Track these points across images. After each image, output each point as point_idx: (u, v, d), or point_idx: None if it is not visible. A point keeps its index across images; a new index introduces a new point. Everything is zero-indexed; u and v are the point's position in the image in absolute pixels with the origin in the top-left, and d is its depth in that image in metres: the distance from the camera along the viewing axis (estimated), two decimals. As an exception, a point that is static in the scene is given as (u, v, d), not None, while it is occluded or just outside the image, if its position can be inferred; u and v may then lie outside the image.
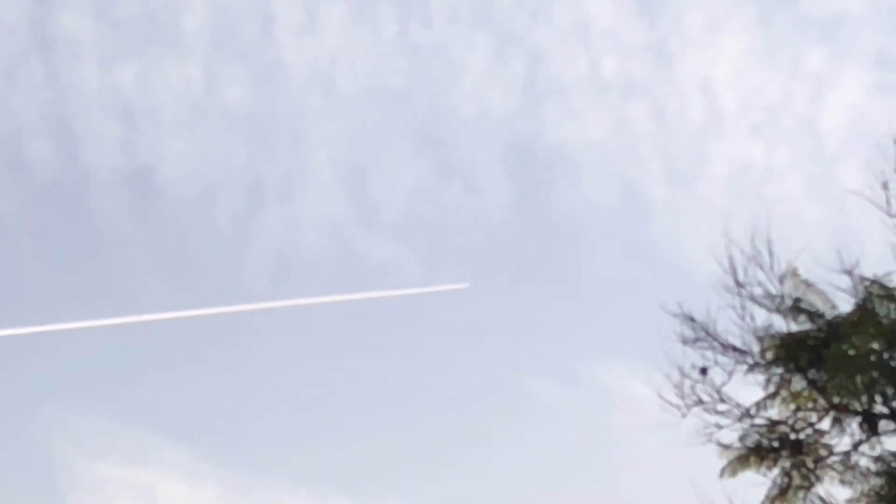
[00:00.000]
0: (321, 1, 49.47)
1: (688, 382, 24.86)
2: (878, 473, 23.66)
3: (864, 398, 23.98)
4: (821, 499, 24.15)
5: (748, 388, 24.86)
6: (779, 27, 49.59)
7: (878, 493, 23.51)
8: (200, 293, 47.16)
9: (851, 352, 23.78)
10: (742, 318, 24.89)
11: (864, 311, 24.06)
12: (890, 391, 23.77)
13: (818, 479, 24.31)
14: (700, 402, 24.82)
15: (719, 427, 24.80)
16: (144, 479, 45.90)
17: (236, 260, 49.02)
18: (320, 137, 50.67)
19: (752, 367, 24.73)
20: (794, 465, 24.42)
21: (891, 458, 23.69)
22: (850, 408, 24.13)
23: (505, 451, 45.70)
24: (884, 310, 23.97)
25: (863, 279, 24.28)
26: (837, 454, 24.34)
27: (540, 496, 43.34)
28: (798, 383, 24.49)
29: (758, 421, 24.73)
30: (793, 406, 24.60)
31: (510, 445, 45.77)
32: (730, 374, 24.86)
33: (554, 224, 50.06)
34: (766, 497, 24.47)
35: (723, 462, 24.72)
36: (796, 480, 24.39)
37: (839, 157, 47.50)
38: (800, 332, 24.57)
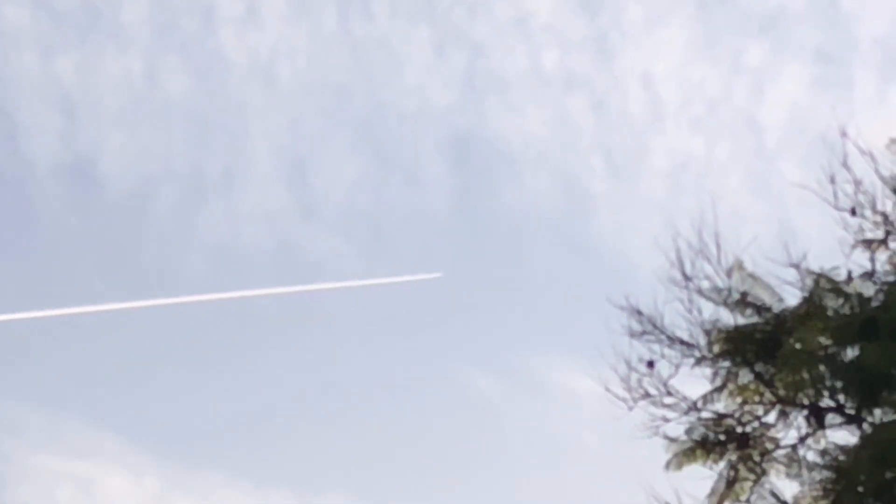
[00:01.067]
0: (262, -7, 49.23)
1: (635, 376, 24.82)
2: (824, 467, 23.66)
3: (811, 392, 24.03)
4: (771, 492, 24.17)
5: (695, 382, 24.87)
6: (718, 22, 49.80)
7: (824, 487, 23.52)
8: (140, 285, 46.79)
9: (798, 346, 23.82)
10: (689, 311, 24.88)
11: (811, 304, 24.09)
12: (836, 385, 23.81)
13: (764, 472, 24.31)
14: (647, 395, 24.76)
15: (666, 420, 24.75)
16: (84, 470, 45.54)
17: (177, 252, 48.69)
18: (261, 130, 50.43)
19: (700, 361, 24.69)
20: (740, 459, 24.40)
21: (837, 452, 23.68)
22: (797, 401, 24.17)
23: (447, 444, 45.68)
24: (831, 304, 24.03)
25: (810, 272, 24.32)
26: (784, 447, 24.36)
27: (480, 489, 43.35)
28: (745, 377, 24.48)
29: (704, 414, 24.70)
30: (739, 399, 24.58)
31: (452, 439, 45.72)
32: (677, 367, 24.82)
33: (495, 217, 50.05)
34: (713, 490, 24.44)
35: (668, 455, 24.69)
36: (743, 474, 24.37)
37: (779, 152, 47.74)
38: (747, 326, 24.55)
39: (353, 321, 46.22)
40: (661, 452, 24.74)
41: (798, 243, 24.58)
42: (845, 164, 24.60)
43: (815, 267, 24.42)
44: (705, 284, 24.81)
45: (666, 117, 50.63)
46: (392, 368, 47.13)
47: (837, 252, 24.52)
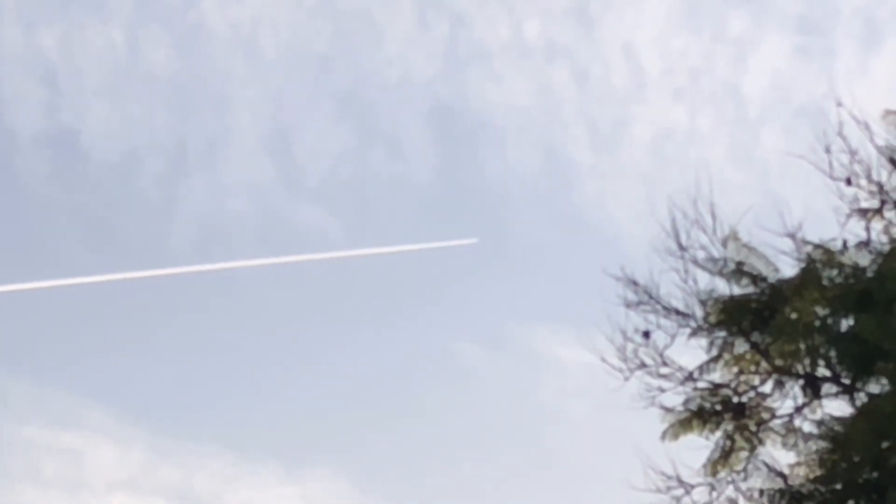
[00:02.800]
0: (245, -37, 49.04)
1: (630, 346, 24.78)
2: (819, 437, 23.69)
3: (807, 362, 24.03)
4: (764, 462, 24.20)
5: (691, 352, 24.83)
6: (700, -10, 49.81)
7: (820, 457, 23.56)
8: (125, 257, 46.67)
9: (794, 316, 23.82)
10: (684, 281, 24.82)
11: (807, 274, 24.08)
12: (832, 355, 23.84)
13: (761, 442, 24.30)
14: (643, 365, 24.71)
15: (662, 391, 24.71)
16: (72, 442, 45.47)
17: (161, 224, 48.58)
18: (244, 101, 50.30)
19: (695, 331, 24.63)
20: (736, 429, 24.38)
21: (832, 422, 23.72)
22: (793, 371, 24.17)
23: (435, 417, 45.74)
24: (826, 274, 24.03)
25: (805, 242, 24.31)
26: (780, 417, 24.36)
27: (467, 459, 43.43)
28: (741, 346, 24.44)
29: (700, 384, 24.65)
30: (735, 369, 24.55)
31: (440, 412, 45.79)
32: (672, 337, 24.76)
33: (478, 188, 50.04)
34: (709, 460, 24.44)
35: (664, 425, 24.67)
36: (739, 444, 24.37)
37: (762, 122, 47.86)
38: (743, 296, 24.51)
39: (336, 294, 46.18)
40: (651, 422, 24.73)
41: (794, 213, 24.60)
42: (840, 134, 24.60)
43: (809, 237, 24.45)
44: (700, 254, 24.79)
45: (648, 87, 50.67)
46: (378, 340, 47.15)
47: (826, 221, 24.59)
